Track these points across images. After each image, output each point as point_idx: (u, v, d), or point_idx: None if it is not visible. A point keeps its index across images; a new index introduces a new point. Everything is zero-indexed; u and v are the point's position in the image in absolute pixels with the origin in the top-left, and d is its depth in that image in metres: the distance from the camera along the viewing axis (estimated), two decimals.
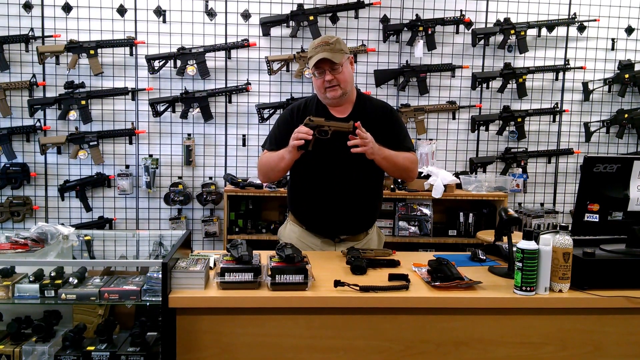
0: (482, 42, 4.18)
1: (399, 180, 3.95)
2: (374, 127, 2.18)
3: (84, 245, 2.28)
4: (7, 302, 1.86)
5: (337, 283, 1.73)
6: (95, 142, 3.94)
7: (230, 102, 4.12)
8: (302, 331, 1.72)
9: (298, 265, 1.73)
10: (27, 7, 3.87)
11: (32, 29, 3.87)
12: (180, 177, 4.16)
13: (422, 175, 3.94)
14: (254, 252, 1.87)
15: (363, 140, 2.07)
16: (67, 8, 3.91)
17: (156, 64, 3.96)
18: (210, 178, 4.16)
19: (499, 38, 4.19)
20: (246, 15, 4.05)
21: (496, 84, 4.24)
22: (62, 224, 2.31)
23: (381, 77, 4.14)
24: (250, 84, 4.05)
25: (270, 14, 4.05)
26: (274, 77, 4.12)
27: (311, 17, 3.97)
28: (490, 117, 4.23)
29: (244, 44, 3.98)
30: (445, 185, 3.84)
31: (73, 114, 3.91)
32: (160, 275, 1.72)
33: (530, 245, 1.69)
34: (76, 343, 1.93)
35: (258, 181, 3.84)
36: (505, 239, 1.98)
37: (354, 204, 2.30)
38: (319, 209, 2.31)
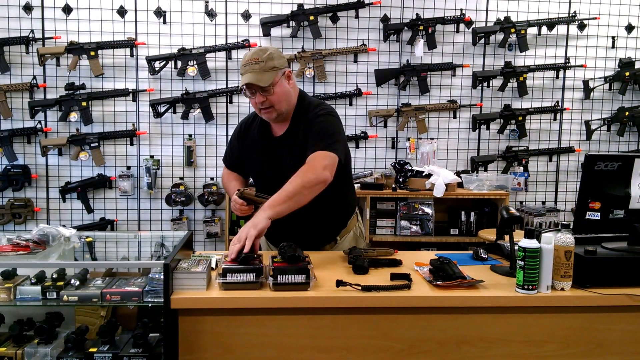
0: (482, 40, 4.18)
1: (400, 180, 3.95)
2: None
3: (85, 247, 2.28)
4: (9, 304, 1.86)
5: (339, 283, 1.72)
6: (96, 144, 3.94)
7: (231, 102, 4.13)
8: (305, 331, 1.71)
9: (300, 266, 1.73)
10: (28, 9, 3.87)
11: (32, 31, 3.88)
12: (181, 178, 4.16)
13: (424, 174, 3.94)
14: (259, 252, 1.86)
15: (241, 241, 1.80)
16: (67, 9, 3.91)
17: (157, 64, 3.96)
18: (212, 179, 4.17)
19: (500, 37, 4.19)
20: (246, 16, 4.05)
21: (497, 82, 4.24)
22: (64, 226, 2.31)
23: (382, 77, 4.14)
24: None
25: (270, 14, 4.05)
26: None
27: (311, 17, 3.97)
28: (491, 116, 4.23)
29: (245, 45, 3.98)
30: (446, 184, 3.84)
31: (74, 116, 3.92)
32: (162, 277, 1.71)
33: (531, 243, 1.68)
34: (78, 345, 1.93)
35: None
36: (507, 237, 1.97)
37: (310, 217, 2.07)
38: (275, 224, 1.96)
